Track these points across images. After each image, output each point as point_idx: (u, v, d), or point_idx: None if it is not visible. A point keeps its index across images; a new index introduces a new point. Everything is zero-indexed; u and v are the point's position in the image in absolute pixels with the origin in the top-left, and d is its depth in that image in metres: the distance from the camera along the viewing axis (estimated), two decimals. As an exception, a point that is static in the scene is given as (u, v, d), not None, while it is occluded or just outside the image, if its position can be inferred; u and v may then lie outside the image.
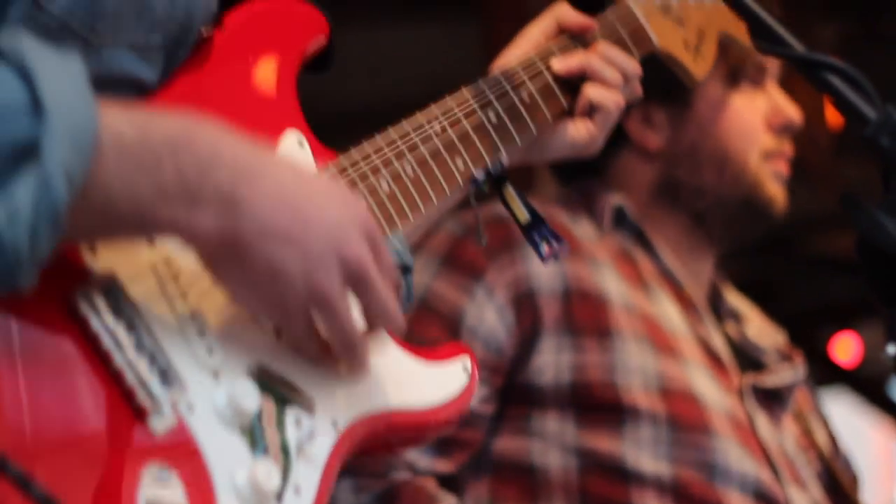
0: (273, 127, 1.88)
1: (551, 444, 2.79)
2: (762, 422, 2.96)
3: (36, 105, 1.45)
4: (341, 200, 1.67)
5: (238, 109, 1.85)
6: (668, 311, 2.97)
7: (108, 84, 1.70)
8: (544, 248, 2.11)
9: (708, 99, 3.06)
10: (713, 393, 2.90)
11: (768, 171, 3.07)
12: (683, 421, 2.83)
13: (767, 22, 1.94)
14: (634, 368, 2.82)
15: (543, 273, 2.84)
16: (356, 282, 1.66)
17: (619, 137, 2.95)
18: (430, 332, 2.78)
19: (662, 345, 2.90)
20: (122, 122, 1.52)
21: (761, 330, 3.20)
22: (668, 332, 2.93)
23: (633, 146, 3.09)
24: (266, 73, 1.90)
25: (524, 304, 2.83)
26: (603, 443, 2.78)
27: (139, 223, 1.56)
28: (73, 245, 1.61)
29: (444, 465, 2.76)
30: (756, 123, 3.08)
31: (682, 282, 3.04)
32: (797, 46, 1.91)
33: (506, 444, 2.82)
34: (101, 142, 1.48)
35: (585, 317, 2.85)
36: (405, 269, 2.11)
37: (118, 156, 1.50)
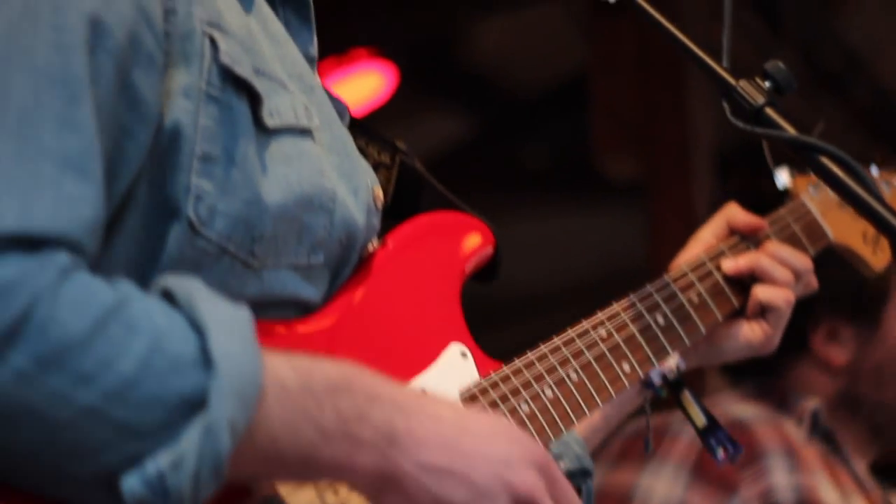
0: (436, 340, 1.91)
1: None
2: None
3: (206, 359, 1.51)
4: (507, 436, 1.67)
5: (401, 325, 1.90)
6: None
7: (271, 305, 1.76)
8: (720, 452, 2.11)
9: None
10: None
11: None
12: None
13: None
14: None
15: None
16: None
17: (800, 347, 2.94)
18: None
19: None
20: (286, 368, 1.57)
21: None
22: None
23: (815, 359, 3.05)
24: (429, 287, 1.94)
25: None
26: None
27: (303, 464, 1.59)
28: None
29: None
30: None
31: (870, 491, 2.97)
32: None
33: None
34: (265, 390, 1.54)
35: None
36: (585, 474, 2.11)
37: (282, 401, 1.56)
